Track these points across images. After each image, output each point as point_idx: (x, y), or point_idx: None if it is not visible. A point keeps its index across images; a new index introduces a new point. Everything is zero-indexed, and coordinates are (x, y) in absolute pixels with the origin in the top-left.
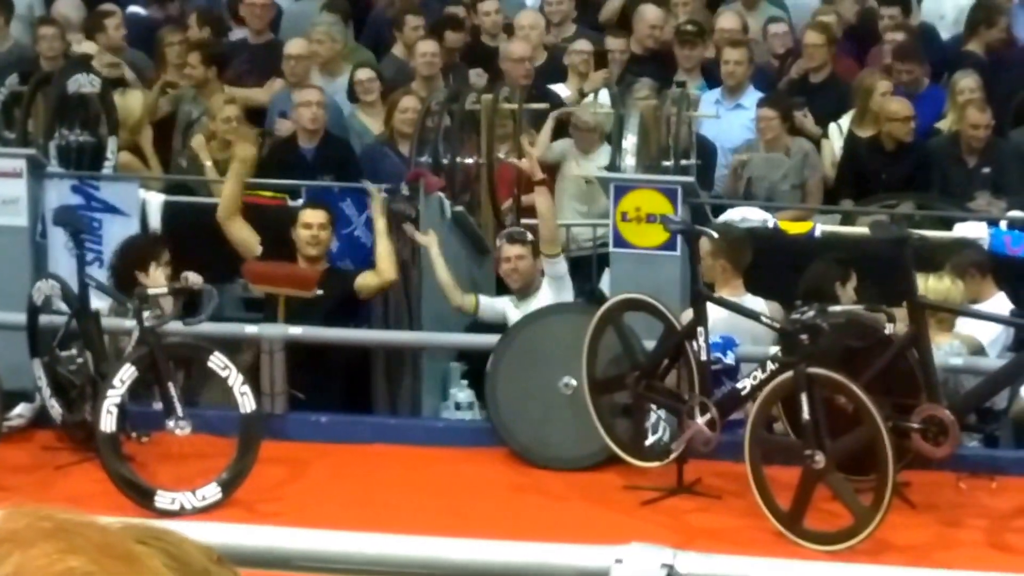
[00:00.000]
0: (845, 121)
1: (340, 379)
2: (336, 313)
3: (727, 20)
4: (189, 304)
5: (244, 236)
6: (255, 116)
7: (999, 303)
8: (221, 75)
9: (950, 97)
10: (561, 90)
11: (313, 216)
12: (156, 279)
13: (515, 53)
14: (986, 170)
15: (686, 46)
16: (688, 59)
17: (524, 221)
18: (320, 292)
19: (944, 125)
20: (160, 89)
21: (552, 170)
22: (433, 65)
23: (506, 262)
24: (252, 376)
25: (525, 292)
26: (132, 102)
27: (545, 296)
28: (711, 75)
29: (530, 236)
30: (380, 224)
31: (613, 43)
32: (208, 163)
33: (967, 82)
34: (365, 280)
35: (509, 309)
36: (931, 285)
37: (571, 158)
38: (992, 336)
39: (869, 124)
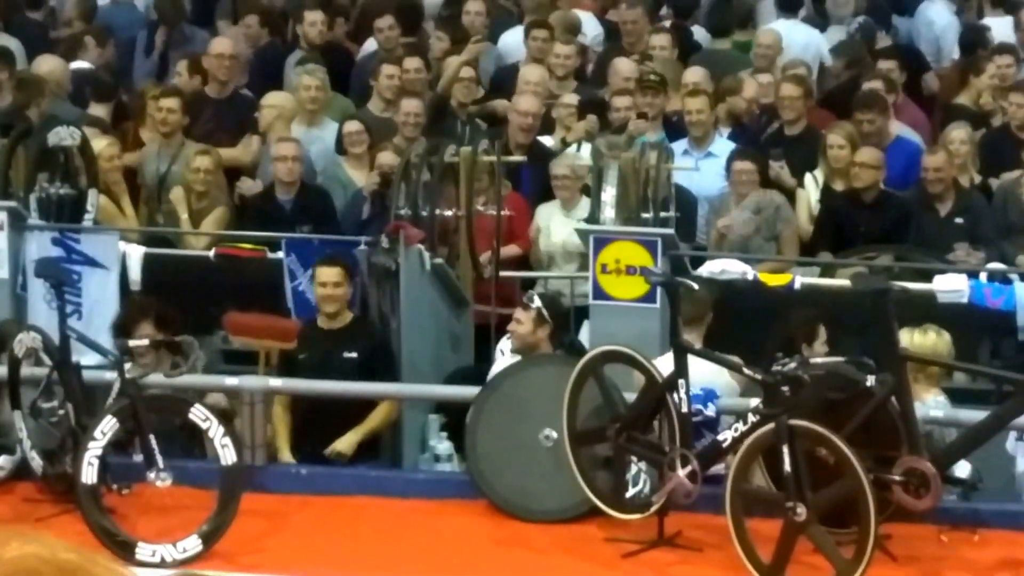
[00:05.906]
0: (821, 172)
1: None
2: (368, 368)
3: (690, 74)
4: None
5: None
6: (231, 173)
7: None
8: (188, 131)
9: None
10: (547, 141)
11: (327, 275)
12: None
13: (522, 106)
14: (959, 220)
15: (648, 94)
16: (650, 107)
17: (502, 273)
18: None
19: None
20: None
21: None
22: (418, 126)
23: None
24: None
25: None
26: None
27: None
28: (671, 126)
29: (536, 303)
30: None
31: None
32: (184, 216)
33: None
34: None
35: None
36: (916, 340)
37: (554, 215)
38: None
39: (843, 177)
